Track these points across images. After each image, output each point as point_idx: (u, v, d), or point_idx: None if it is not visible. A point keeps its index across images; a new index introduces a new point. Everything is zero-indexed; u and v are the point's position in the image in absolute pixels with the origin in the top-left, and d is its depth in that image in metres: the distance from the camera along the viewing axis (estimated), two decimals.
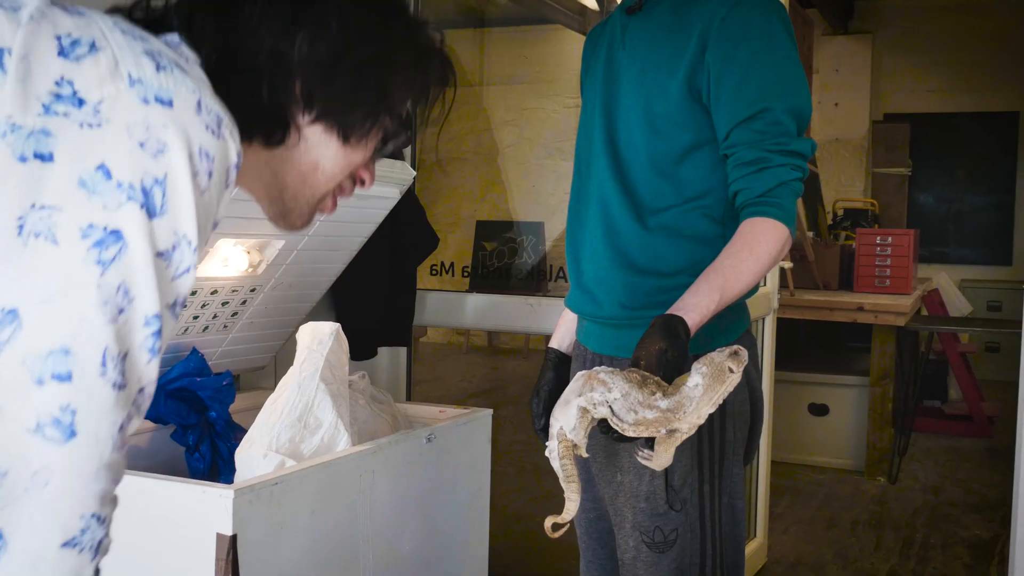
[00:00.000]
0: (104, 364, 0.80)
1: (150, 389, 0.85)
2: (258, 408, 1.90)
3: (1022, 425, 2.71)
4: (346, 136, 1.01)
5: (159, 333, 0.84)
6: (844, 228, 6.27)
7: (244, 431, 1.90)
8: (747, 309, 1.74)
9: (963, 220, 8.55)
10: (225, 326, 2.25)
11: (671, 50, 1.63)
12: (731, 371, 1.34)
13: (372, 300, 2.84)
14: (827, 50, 8.29)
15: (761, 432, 1.79)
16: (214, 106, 0.87)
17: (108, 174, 0.81)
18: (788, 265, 4.75)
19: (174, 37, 0.95)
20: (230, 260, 2.11)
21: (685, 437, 1.35)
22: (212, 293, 2.12)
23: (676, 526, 1.64)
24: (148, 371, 0.84)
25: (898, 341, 5.07)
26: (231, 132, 0.88)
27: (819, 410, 5.26)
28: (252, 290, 2.22)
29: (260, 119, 0.97)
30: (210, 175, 0.86)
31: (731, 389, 1.35)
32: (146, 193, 0.82)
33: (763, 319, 3.71)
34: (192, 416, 2.03)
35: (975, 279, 8.20)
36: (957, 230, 8.56)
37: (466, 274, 5.04)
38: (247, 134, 0.96)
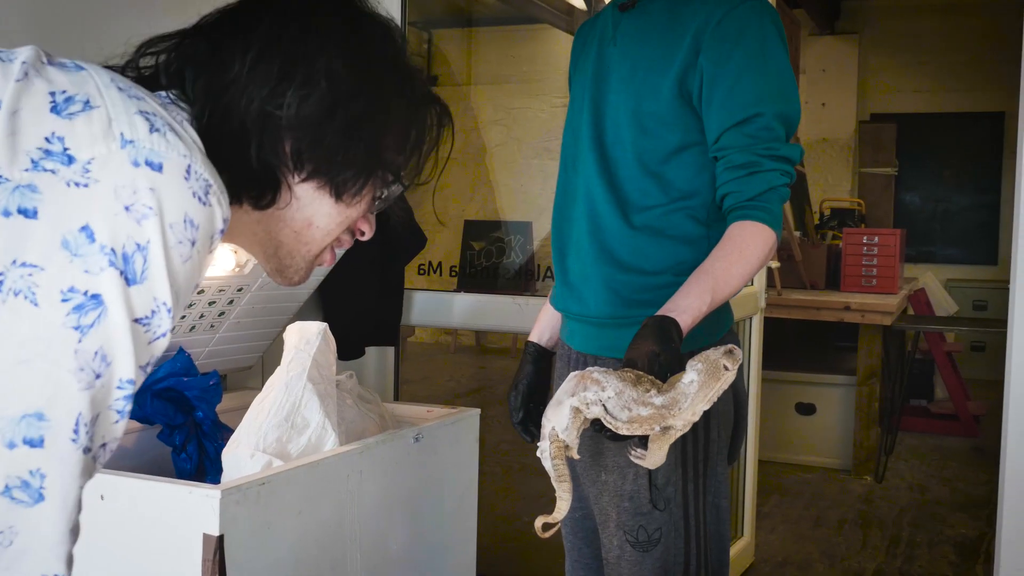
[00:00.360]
0: (76, 431, 0.80)
1: (113, 445, 0.85)
2: (245, 408, 1.90)
3: (1008, 424, 2.72)
4: (338, 194, 1.00)
5: (131, 396, 0.83)
6: (831, 228, 6.29)
7: (231, 431, 1.89)
8: (730, 309, 1.75)
9: (949, 220, 8.58)
10: (212, 326, 2.24)
11: (663, 49, 1.63)
12: (726, 369, 1.35)
13: (360, 300, 2.84)
14: (814, 50, 8.32)
15: (745, 432, 1.80)
16: (203, 172, 0.86)
17: (92, 236, 0.80)
18: (775, 265, 4.76)
19: (167, 95, 0.94)
20: (217, 259, 2.11)
21: (679, 435, 1.35)
22: (199, 293, 2.12)
23: (660, 525, 1.64)
24: (115, 430, 0.84)
25: (885, 340, 5.08)
26: (218, 198, 0.87)
27: (806, 409, 5.27)
28: (239, 290, 2.21)
29: (249, 181, 0.96)
30: (193, 243, 0.85)
31: (726, 387, 1.36)
32: (126, 259, 0.81)
33: (750, 319, 3.72)
34: (179, 416, 2.02)
35: (961, 279, 8.24)
36: (943, 230, 8.60)
37: (454, 274, 5.03)
38: (236, 195, 0.95)
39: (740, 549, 3.71)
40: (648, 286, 1.66)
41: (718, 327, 1.68)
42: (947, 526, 4.37)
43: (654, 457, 1.37)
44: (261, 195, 0.98)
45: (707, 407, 1.34)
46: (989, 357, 7.26)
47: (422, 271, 4.62)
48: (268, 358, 2.47)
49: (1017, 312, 2.69)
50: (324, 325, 1.96)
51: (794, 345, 5.70)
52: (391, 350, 3.16)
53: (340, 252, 1.10)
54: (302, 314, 2.44)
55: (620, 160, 1.68)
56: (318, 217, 1.01)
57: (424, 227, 3.04)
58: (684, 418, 1.33)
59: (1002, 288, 3.67)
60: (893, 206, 7.88)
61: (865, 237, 5.36)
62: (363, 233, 1.08)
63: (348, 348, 2.72)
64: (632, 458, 1.40)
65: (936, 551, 4.06)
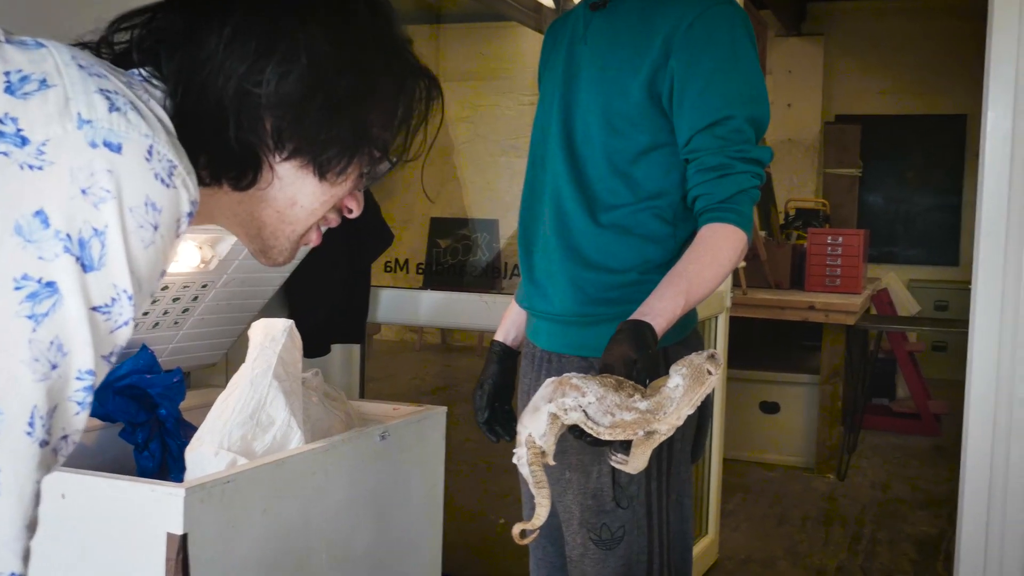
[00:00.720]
0: (31, 423, 0.77)
1: (75, 438, 0.82)
2: (209, 406, 1.88)
3: (968, 423, 2.75)
4: (322, 172, 0.97)
5: (91, 387, 0.81)
6: (796, 228, 6.34)
7: (195, 429, 1.88)
8: (695, 308, 1.75)
9: (912, 221, 8.67)
10: (176, 323, 2.22)
11: (633, 50, 1.64)
12: (710, 373, 1.35)
13: (326, 297, 2.82)
14: (780, 51, 8.37)
15: (709, 430, 1.81)
16: (167, 152, 0.83)
17: (46, 221, 0.77)
18: (741, 264, 4.79)
19: (139, 73, 0.91)
20: (181, 256, 2.09)
21: (663, 439, 1.35)
22: (163, 289, 2.10)
23: (623, 523, 1.65)
24: (76, 422, 0.81)
25: (848, 340, 5.13)
26: (184, 180, 0.84)
27: (770, 408, 5.31)
28: (204, 286, 2.19)
29: (228, 161, 0.93)
30: (156, 227, 0.82)
31: (709, 391, 1.36)
32: (83, 245, 0.78)
33: (716, 318, 3.74)
34: (141, 414, 2.00)
35: (923, 279, 8.32)
36: (906, 231, 8.68)
37: (420, 271, 5.02)
38: (216, 176, 0.93)
39: (704, 547, 3.73)
40: (614, 284, 1.67)
41: (682, 327, 1.68)
42: (908, 524, 4.42)
43: (637, 461, 1.36)
44: (241, 175, 0.95)
45: (691, 411, 1.34)
46: (950, 357, 7.34)
47: (388, 268, 4.60)
48: (233, 355, 2.45)
49: (978, 313, 2.72)
50: (290, 322, 1.95)
51: (759, 344, 5.74)
52: (357, 348, 3.15)
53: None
54: (267, 311, 2.42)
55: (589, 159, 1.68)
56: (302, 196, 0.99)
57: (391, 224, 3.03)
58: (669, 422, 1.33)
59: (963, 289, 3.72)
60: (857, 207, 7.94)
61: (829, 237, 5.40)
62: (351, 211, 1.05)
63: (314, 345, 2.70)
64: (613, 463, 1.38)
65: (897, 548, 4.10)
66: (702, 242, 1.57)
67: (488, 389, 1.85)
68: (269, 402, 1.83)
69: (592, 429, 1.31)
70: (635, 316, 1.46)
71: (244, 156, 0.94)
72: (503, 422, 1.85)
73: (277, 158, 0.95)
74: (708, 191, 1.58)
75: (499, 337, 1.91)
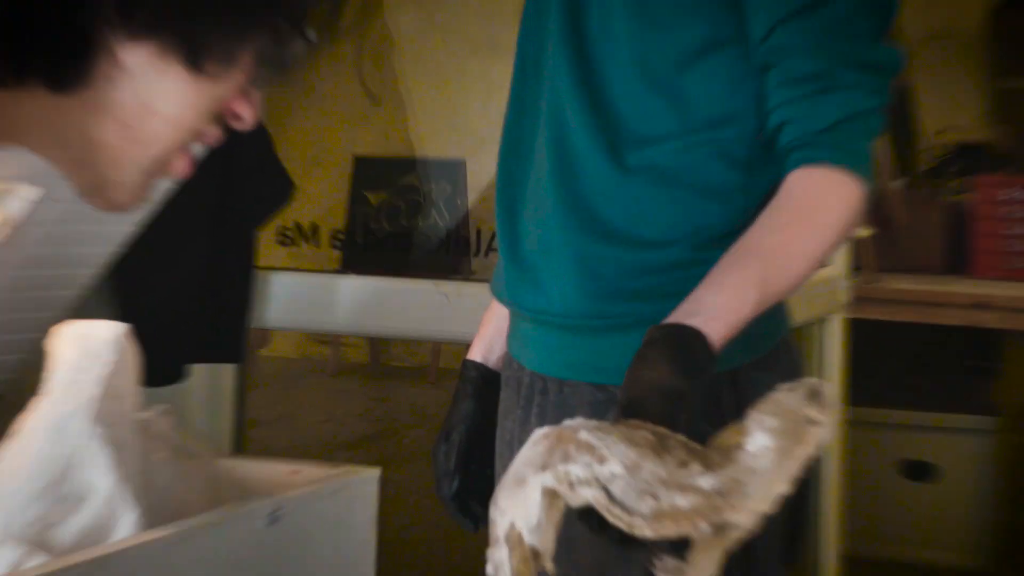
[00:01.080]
0: None
1: None
2: None
3: None
4: (196, 61, 0.98)
5: None
6: (953, 175, 6.36)
7: None
8: (784, 304, 1.76)
9: None
10: None
11: None
12: (813, 423, 1.29)
13: (180, 287, 2.83)
14: None
15: (814, 511, 1.82)
16: None
17: None
18: (860, 233, 4.80)
19: None
20: None
21: (742, 536, 1.29)
22: None
23: None
24: None
25: None
26: None
27: (920, 471, 5.32)
28: None
29: (40, 47, 0.94)
30: None
31: (814, 452, 1.30)
32: None
33: (823, 321, 3.75)
34: None
35: None
36: None
37: (337, 244, 5.03)
38: (18, 71, 0.93)
39: None
40: (649, 266, 1.68)
41: (761, 336, 1.69)
42: None
43: (700, 572, 1.32)
44: (60, 68, 0.95)
45: (788, 490, 1.28)
46: None
47: (286, 239, 4.62)
48: (24, 382, 2.46)
49: None
50: (122, 328, 1.96)
51: (897, 366, 5.75)
52: (232, 370, 3.16)
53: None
54: (83, 309, 2.43)
55: (610, 65, 1.71)
56: (162, 101, 1.00)
57: (290, 166, 3.03)
58: (752, 509, 1.27)
59: None
60: None
61: (1007, 190, 5.41)
62: (239, 118, 1.06)
63: (160, 366, 2.71)
64: (659, 573, 1.36)
65: None
66: (789, 198, 1.58)
67: (459, 441, 1.86)
68: (85, 461, 1.84)
69: (621, 519, 1.25)
70: (675, 317, 1.45)
71: (66, 37, 0.94)
72: (484, 496, 1.85)
73: (122, 39, 0.96)
74: (799, 114, 1.60)
75: (476, 356, 1.92)
